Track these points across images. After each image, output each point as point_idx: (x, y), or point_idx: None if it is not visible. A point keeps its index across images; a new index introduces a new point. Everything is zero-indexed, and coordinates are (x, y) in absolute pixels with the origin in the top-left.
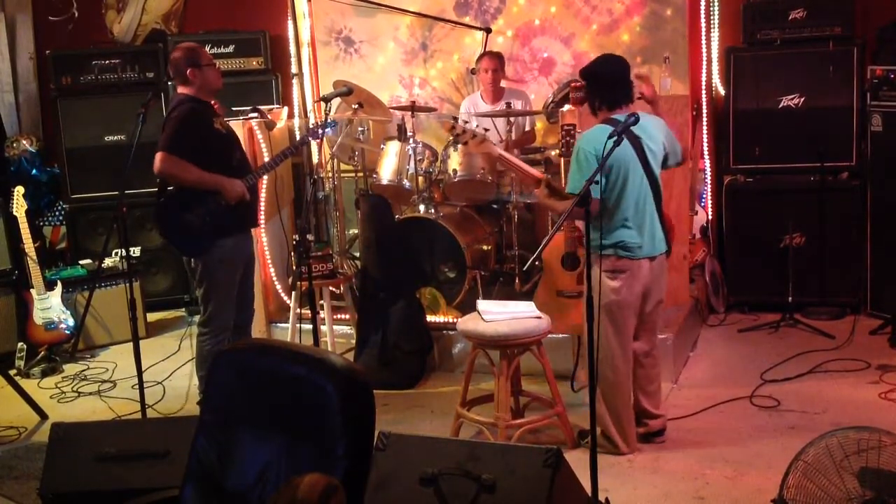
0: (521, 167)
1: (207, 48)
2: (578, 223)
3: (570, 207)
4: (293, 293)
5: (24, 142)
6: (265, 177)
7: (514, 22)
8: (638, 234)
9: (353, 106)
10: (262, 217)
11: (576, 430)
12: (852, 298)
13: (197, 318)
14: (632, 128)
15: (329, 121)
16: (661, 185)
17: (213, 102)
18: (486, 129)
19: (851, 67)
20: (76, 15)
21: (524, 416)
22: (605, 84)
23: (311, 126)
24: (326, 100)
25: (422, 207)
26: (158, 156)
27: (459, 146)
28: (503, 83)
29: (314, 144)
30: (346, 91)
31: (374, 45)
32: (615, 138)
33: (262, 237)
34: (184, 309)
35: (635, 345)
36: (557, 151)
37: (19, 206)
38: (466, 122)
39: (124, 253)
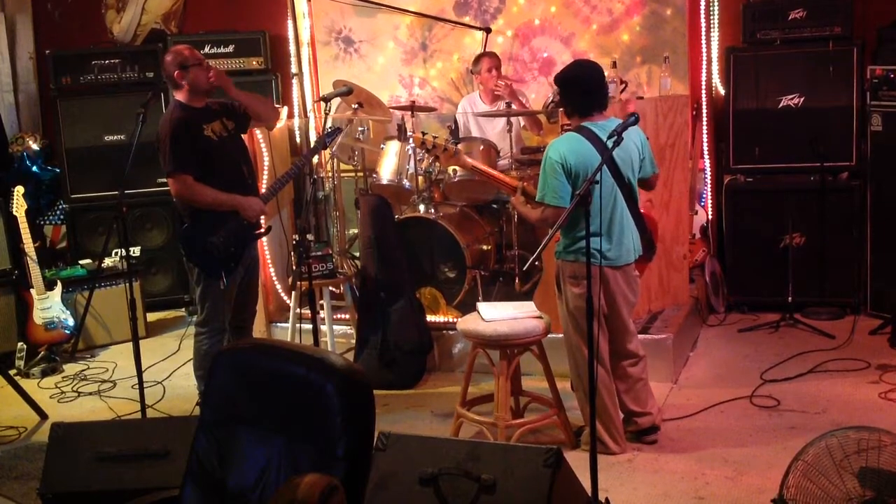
0: (496, 176)
1: (207, 48)
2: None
3: (570, 208)
4: (293, 293)
5: (29, 140)
6: (265, 176)
7: (514, 22)
8: (605, 242)
9: (353, 106)
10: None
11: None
12: (852, 298)
13: (195, 318)
14: (600, 134)
15: (335, 128)
16: (636, 192)
17: (207, 103)
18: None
19: (851, 67)
20: None
21: (524, 416)
22: (579, 91)
23: (319, 136)
24: (326, 100)
25: (422, 207)
26: (169, 181)
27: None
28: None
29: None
30: (346, 91)
31: (374, 45)
32: (615, 138)
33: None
34: (184, 309)
35: (614, 348)
36: None
37: (19, 206)
38: (436, 137)
39: (124, 253)
